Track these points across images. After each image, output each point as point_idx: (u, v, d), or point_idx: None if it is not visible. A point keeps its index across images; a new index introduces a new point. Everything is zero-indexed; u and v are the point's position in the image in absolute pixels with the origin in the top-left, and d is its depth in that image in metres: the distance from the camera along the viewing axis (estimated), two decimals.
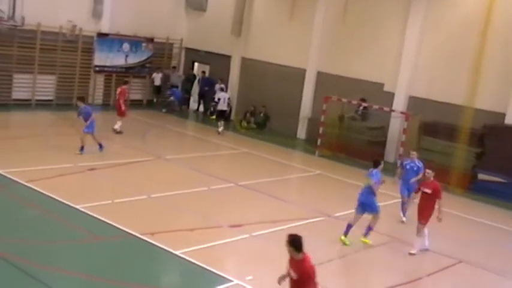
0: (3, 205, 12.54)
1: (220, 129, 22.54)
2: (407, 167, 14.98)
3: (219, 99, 23.34)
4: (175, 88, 26.00)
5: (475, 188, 18.57)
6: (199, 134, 23.53)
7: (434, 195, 12.47)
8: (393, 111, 20.96)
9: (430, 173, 12.85)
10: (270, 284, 10.71)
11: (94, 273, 9.70)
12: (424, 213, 12.50)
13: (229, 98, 23.77)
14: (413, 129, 19.93)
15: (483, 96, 18.93)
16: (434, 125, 19.85)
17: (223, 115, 23.19)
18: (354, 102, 21.43)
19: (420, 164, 14.82)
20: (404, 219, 14.87)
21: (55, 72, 23.90)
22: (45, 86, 23.79)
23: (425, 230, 12.75)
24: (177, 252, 11.01)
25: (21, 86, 23.15)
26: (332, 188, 17.57)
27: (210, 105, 26.51)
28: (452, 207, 16.68)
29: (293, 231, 12.99)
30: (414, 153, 15.26)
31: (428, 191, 12.57)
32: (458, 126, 18.84)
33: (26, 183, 13.72)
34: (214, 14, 27.00)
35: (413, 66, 21.17)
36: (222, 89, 24.35)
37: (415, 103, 20.93)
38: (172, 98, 25.93)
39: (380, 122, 21.68)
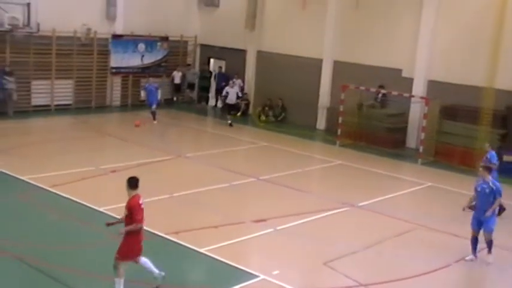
0: (28, 211, 12.64)
1: (229, 121, 22.88)
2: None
3: (227, 92, 23.36)
4: (152, 86, 23.04)
5: (500, 170, 18.23)
6: (218, 130, 23.50)
7: None
8: (413, 96, 20.72)
9: None
10: (297, 277, 10.71)
11: None
12: None
13: (240, 92, 23.86)
14: (433, 114, 19.68)
15: (504, 76, 18.59)
16: (455, 108, 19.59)
17: (234, 108, 23.51)
18: (372, 89, 21.23)
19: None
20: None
21: (72, 76, 24.04)
22: (63, 90, 23.94)
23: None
24: (202, 250, 11.01)
25: (40, 92, 23.33)
26: (354, 177, 17.44)
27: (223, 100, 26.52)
28: None
29: (317, 223, 13.14)
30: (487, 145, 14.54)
31: None
32: (480, 108, 18.56)
33: (49, 188, 13.82)
34: (227, 9, 26.93)
35: (431, 50, 20.88)
36: (231, 85, 23.93)
37: (435, 87, 20.66)
38: (142, 94, 23.59)
39: (400, 109, 21.45)
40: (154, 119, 22.40)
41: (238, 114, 24.40)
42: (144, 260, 9.11)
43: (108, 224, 9.21)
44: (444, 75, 20.46)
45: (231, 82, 24.47)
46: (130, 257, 8.91)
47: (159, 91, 23.06)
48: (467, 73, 19.72)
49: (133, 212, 8.55)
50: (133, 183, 8.79)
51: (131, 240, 8.75)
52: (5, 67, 21.62)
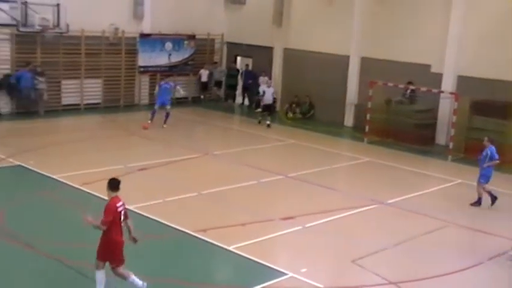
0: (59, 209, 12.82)
1: (268, 122, 22.37)
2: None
3: (264, 92, 23.02)
4: (168, 84, 22.13)
5: None
6: (245, 127, 23.53)
7: None
8: (442, 92, 20.44)
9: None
10: (325, 275, 10.67)
11: (148, 273, 9.79)
12: None
13: (273, 93, 23.29)
14: (463, 110, 19.39)
15: None
16: (485, 103, 19.26)
17: (269, 109, 22.96)
18: (401, 85, 21.00)
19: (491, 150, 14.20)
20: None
21: (101, 75, 24.30)
22: (92, 89, 24.23)
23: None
24: (230, 248, 11.02)
25: (70, 92, 23.64)
26: (383, 174, 17.29)
27: (254, 98, 26.51)
28: (509, 187, 16.20)
29: (345, 221, 13.07)
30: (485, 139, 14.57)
31: None
32: (511, 103, 18.21)
33: (79, 187, 14.00)
34: (254, 6, 26.92)
35: (460, 45, 20.57)
36: (268, 86, 23.49)
37: (464, 82, 20.35)
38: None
39: (429, 104, 21.18)
40: (165, 122, 21.24)
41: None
42: (128, 273, 8.83)
43: (87, 221, 8.67)
44: (474, 70, 20.13)
45: (261, 79, 24.46)
46: (105, 258, 8.67)
47: (175, 90, 22.43)
48: (498, 67, 19.37)
49: (104, 212, 8.43)
50: (114, 184, 8.64)
51: (105, 243, 8.57)
52: (36, 67, 21.96)
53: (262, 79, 25.89)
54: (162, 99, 21.36)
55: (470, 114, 19.49)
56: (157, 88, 22.13)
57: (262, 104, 23.11)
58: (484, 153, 14.32)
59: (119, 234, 8.64)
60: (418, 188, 15.81)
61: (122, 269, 8.76)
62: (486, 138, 14.55)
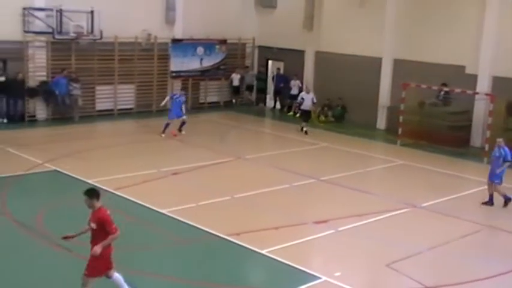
0: None
1: (305, 128, 21.98)
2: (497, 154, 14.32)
3: (302, 98, 22.47)
4: (182, 96, 21.28)
5: None
6: (277, 131, 23.52)
7: None
8: (477, 93, 20.12)
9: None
10: (359, 279, 10.58)
11: (182, 276, 9.88)
12: None
13: (314, 98, 22.49)
14: (499, 111, 19.05)
15: None
16: None
17: (308, 115, 22.52)
18: (434, 87, 20.74)
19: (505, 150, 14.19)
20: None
21: (134, 81, 24.59)
22: (126, 95, 24.52)
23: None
24: (263, 252, 11.02)
25: (104, 97, 23.97)
26: (416, 177, 17.08)
27: (286, 101, 26.50)
28: None
29: (379, 224, 12.95)
30: (500, 140, 14.49)
31: None
32: None
33: (114, 191, 14.17)
34: (285, 9, 26.91)
35: (496, 45, 20.22)
36: (307, 92, 22.74)
37: (500, 83, 19.99)
38: (166, 101, 21.53)
39: (463, 106, 20.87)
40: (180, 129, 20.65)
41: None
42: (117, 275, 8.66)
43: (66, 238, 8.78)
44: (510, 71, 19.77)
45: (292, 82, 24.27)
46: (101, 272, 8.48)
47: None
48: None
49: (106, 224, 8.23)
50: (98, 194, 8.43)
51: (101, 253, 8.28)
52: (71, 74, 22.34)
53: (294, 82, 25.93)
54: (177, 112, 20.63)
55: (506, 115, 19.14)
56: (168, 99, 21.28)
57: (300, 109, 22.76)
58: (497, 154, 14.20)
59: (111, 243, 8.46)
60: (453, 191, 15.57)
61: (92, 281, 8.46)
62: (500, 140, 14.47)
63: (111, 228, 8.25)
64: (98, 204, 8.38)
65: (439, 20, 21.66)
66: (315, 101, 22.44)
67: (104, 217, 8.27)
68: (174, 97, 21.06)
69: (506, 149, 14.25)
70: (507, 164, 14.16)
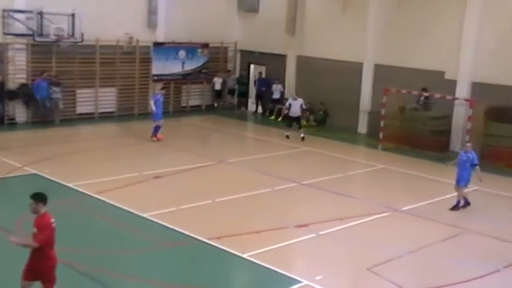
0: (75, 217, 12.88)
1: (302, 135, 21.48)
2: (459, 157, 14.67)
3: (290, 104, 21.98)
4: (162, 96, 21.34)
5: None
6: (259, 135, 23.56)
7: None
8: (456, 99, 20.35)
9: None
10: (340, 282, 10.63)
11: (164, 280, 9.84)
12: None
13: (303, 104, 22.05)
14: (478, 116, 19.29)
15: None
16: (500, 109, 19.15)
17: (297, 121, 21.92)
18: (415, 92, 20.94)
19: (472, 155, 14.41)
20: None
21: (115, 84, 24.47)
22: (107, 98, 24.39)
23: None
24: (244, 255, 11.02)
25: (85, 100, 23.81)
26: (397, 181, 17.22)
27: (268, 106, 26.55)
28: None
29: (360, 228, 13.03)
30: (469, 144, 14.78)
31: None
32: None
33: (95, 195, 14.08)
34: (267, 14, 26.99)
35: (475, 51, 20.47)
36: (294, 98, 22.21)
37: (479, 89, 20.22)
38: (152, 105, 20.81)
39: (443, 111, 21.06)
40: (156, 134, 20.35)
41: (300, 127, 22.00)
42: None
43: (13, 241, 8.12)
44: (489, 77, 20.02)
45: (274, 86, 24.33)
46: (36, 278, 8.04)
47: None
48: None
49: (40, 230, 7.79)
50: (45, 199, 7.97)
51: (38, 260, 7.92)
52: (51, 77, 22.17)
53: (276, 87, 26.02)
54: (161, 112, 20.54)
55: (486, 120, 19.38)
56: (152, 101, 20.79)
57: (287, 115, 22.22)
58: (464, 158, 14.40)
59: (53, 250, 8.11)
60: (433, 195, 15.70)
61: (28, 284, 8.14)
62: (468, 144, 14.77)
63: (40, 235, 7.79)
64: (43, 209, 7.94)
65: (419, 26, 21.88)
66: (304, 106, 22.09)
67: (44, 224, 7.86)
68: (155, 99, 20.86)
69: (474, 153, 14.45)
70: (475, 168, 14.33)
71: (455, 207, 14.55)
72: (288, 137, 21.67)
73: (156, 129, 20.43)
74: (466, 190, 14.66)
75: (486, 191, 15.19)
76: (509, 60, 19.56)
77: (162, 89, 21.67)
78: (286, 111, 22.47)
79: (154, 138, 20.28)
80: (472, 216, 14.25)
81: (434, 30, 21.50)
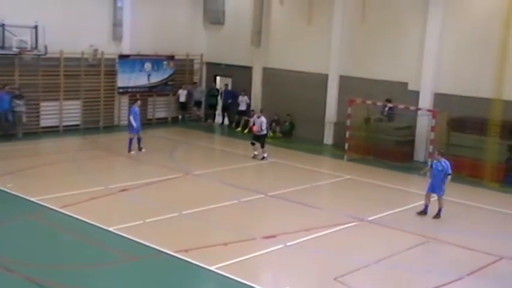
0: (39, 232, 12.67)
1: (265, 154, 20.53)
2: (434, 166, 14.97)
3: (253, 122, 20.92)
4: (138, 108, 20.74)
5: (510, 182, 18.23)
6: (225, 147, 23.56)
7: None
8: (419, 109, 20.72)
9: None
10: None
11: None
12: None
13: (262, 124, 20.55)
14: (441, 126, 19.66)
15: None
16: (462, 120, 19.57)
17: (258, 140, 20.70)
18: (379, 103, 21.24)
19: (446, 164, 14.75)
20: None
21: (80, 97, 24.22)
22: (72, 111, 24.11)
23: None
24: (212, 268, 10.97)
25: (49, 113, 23.49)
26: (363, 191, 17.39)
27: (234, 117, 26.58)
28: (488, 202, 16.45)
29: (327, 238, 13.11)
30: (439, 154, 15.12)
31: None
32: (488, 119, 18.51)
33: (59, 209, 13.86)
34: (233, 26, 27.11)
35: (437, 63, 20.89)
36: (258, 116, 20.88)
37: (441, 100, 20.65)
38: (132, 119, 20.40)
39: (407, 122, 21.43)
40: (140, 147, 20.43)
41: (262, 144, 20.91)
42: None
43: None
44: (450, 88, 20.47)
45: (240, 98, 24.37)
46: None
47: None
48: (475, 85, 19.72)
49: None
50: None
51: None
52: (14, 90, 21.80)
53: (242, 98, 26.12)
54: (138, 124, 20.38)
55: (448, 130, 19.76)
56: (132, 116, 20.38)
57: (252, 133, 21.21)
58: (439, 167, 14.69)
59: None
60: (398, 204, 15.91)
61: None
62: (437, 152, 15.11)
63: None
64: None
65: (383, 38, 22.25)
66: (263, 127, 20.57)
67: None
68: (133, 112, 20.49)
69: (447, 162, 14.76)
70: (449, 176, 14.63)
71: (421, 212, 14.88)
72: (254, 156, 20.79)
73: (131, 142, 20.30)
74: (433, 199, 14.91)
75: (449, 200, 15.44)
76: (469, 72, 20.02)
77: (136, 101, 21.33)
78: (251, 125, 21.59)
79: (133, 152, 20.17)
80: (436, 225, 14.47)
81: (397, 42, 21.90)
